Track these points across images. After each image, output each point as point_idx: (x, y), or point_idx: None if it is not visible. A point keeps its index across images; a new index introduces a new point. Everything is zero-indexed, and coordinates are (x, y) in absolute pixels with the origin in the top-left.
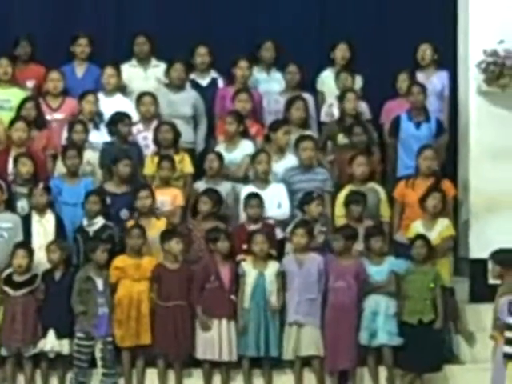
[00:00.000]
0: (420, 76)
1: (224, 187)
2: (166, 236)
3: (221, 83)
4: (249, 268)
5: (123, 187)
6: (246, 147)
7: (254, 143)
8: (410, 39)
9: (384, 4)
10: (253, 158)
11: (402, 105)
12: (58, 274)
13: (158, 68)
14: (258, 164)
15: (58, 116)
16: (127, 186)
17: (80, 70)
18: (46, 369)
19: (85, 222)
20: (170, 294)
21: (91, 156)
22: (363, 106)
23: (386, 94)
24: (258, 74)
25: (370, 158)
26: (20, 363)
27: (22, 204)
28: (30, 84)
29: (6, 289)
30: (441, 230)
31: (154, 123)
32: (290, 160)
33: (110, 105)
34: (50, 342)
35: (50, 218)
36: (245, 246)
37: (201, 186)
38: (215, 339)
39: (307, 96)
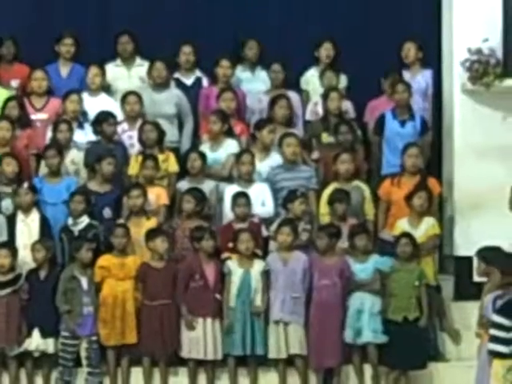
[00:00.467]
0: (405, 75)
1: (207, 186)
2: (151, 235)
3: (205, 82)
4: (234, 266)
5: (106, 186)
6: (230, 146)
7: (238, 142)
8: (394, 38)
9: (368, 2)
10: (237, 158)
11: (385, 103)
12: (42, 274)
13: (142, 67)
14: (242, 165)
15: (42, 116)
16: (110, 185)
17: (64, 69)
18: (31, 368)
19: (70, 222)
20: (156, 293)
21: (76, 155)
22: (348, 105)
23: (370, 92)
24: (242, 73)
25: (355, 156)
26: (4, 363)
27: (7, 204)
28: (14, 84)
29: None
30: (426, 228)
31: (139, 122)
32: (274, 159)
33: (94, 104)
34: (35, 341)
35: (35, 218)
36: (231, 245)
37: (184, 185)
38: (200, 338)
39: (292, 94)
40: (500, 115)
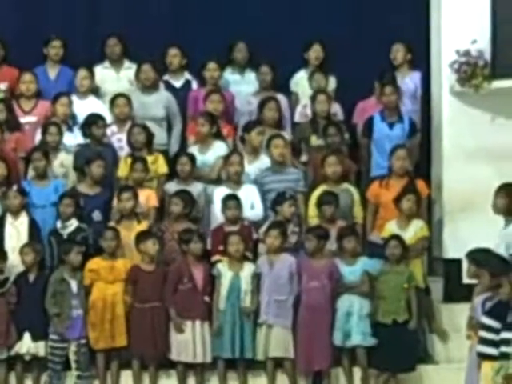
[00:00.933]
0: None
1: (195, 188)
2: (142, 237)
3: (195, 85)
4: (224, 269)
5: (96, 188)
6: (218, 148)
7: (226, 144)
8: (383, 39)
9: (357, 4)
10: (225, 159)
11: (374, 105)
12: (31, 277)
13: (130, 70)
14: (230, 165)
15: (31, 119)
16: (100, 188)
17: (53, 71)
18: (21, 371)
19: (58, 225)
20: (146, 296)
21: (65, 158)
22: (336, 107)
23: (360, 94)
24: (231, 75)
25: (342, 158)
26: None
27: None
28: (2, 86)
29: None
30: (415, 230)
31: (128, 125)
32: (263, 161)
33: (83, 107)
34: (26, 345)
35: (23, 221)
36: (221, 247)
37: (171, 187)
38: (189, 341)
39: (280, 97)
40: (489, 117)
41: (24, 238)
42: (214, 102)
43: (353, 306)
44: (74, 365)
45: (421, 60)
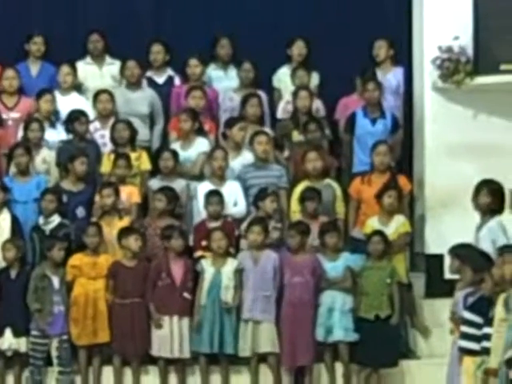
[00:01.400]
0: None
1: (178, 184)
2: (124, 233)
3: (177, 81)
4: (207, 265)
5: (80, 185)
6: (201, 144)
7: (208, 140)
8: (365, 35)
9: (340, 1)
10: (209, 154)
11: (357, 101)
12: (13, 273)
13: (113, 66)
14: (214, 161)
15: (14, 115)
16: (84, 184)
17: (34, 68)
18: (3, 367)
19: (41, 221)
20: (127, 291)
21: (47, 154)
22: (318, 104)
23: (342, 90)
24: (215, 71)
25: (323, 154)
26: None
27: None
28: None
29: None
30: (397, 226)
31: (111, 121)
32: (246, 157)
33: (66, 103)
34: (8, 341)
35: (6, 217)
36: (204, 243)
37: (155, 183)
38: (167, 336)
39: (261, 93)
40: (471, 113)
41: (6, 234)
42: (196, 98)
43: (335, 301)
44: (55, 361)
45: (403, 56)
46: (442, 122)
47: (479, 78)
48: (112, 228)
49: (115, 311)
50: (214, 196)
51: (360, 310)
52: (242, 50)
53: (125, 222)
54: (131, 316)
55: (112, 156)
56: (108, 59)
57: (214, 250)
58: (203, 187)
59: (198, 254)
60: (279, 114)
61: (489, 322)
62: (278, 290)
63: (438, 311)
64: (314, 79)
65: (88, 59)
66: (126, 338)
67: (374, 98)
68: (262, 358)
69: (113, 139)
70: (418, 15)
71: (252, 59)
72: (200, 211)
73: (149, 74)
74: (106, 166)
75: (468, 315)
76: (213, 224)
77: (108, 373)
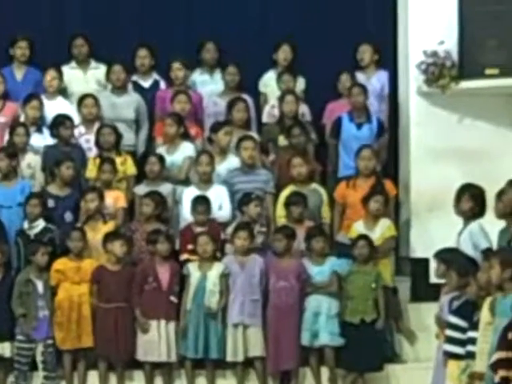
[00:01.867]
0: (360, 76)
1: (165, 189)
2: (110, 237)
3: (163, 85)
4: (193, 269)
5: (66, 190)
6: (186, 149)
7: (194, 145)
8: (351, 40)
9: (325, 5)
10: (195, 159)
11: (343, 106)
12: None
13: (97, 70)
14: (199, 165)
15: (0, 120)
16: (70, 189)
17: (19, 72)
18: None
19: (25, 225)
20: (111, 296)
21: (32, 159)
22: (304, 108)
23: (328, 95)
24: (200, 75)
25: (308, 159)
26: None
27: None
28: None
29: None
30: (382, 230)
31: (96, 126)
32: (231, 161)
33: (51, 107)
34: None
35: None
36: (190, 247)
37: (141, 188)
38: (154, 340)
39: (247, 97)
40: (456, 117)
41: None
42: (181, 102)
43: (321, 306)
44: (40, 365)
45: (388, 60)
46: (427, 127)
47: (464, 83)
48: (96, 232)
49: (100, 316)
50: (201, 205)
51: (345, 314)
52: (228, 55)
53: (109, 226)
54: (116, 320)
55: (97, 161)
56: (93, 63)
57: (200, 254)
58: (189, 192)
59: (184, 257)
60: (264, 118)
61: (474, 326)
62: (263, 295)
63: (423, 315)
64: (300, 84)
65: (73, 64)
66: (111, 343)
67: (359, 102)
68: (248, 362)
69: (98, 144)
70: (403, 20)
71: (238, 64)
72: (185, 216)
73: (134, 78)
74: (91, 171)
75: (453, 319)
76: (199, 228)
77: (93, 377)
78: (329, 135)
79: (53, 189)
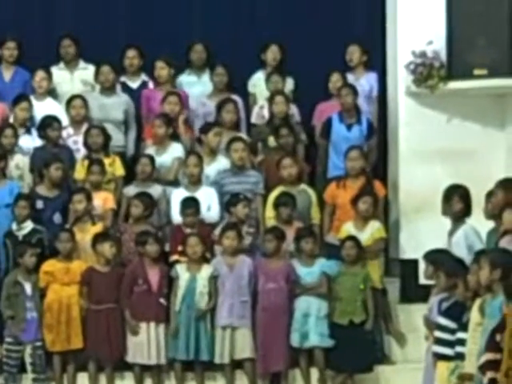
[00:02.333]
0: (349, 77)
1: (155, 190)
2: (100, 239)
3: (151, 86)
4: (182, 271)
5: (55, 191)
6: (175, 150)
7: (183, 146)
8: (340, 40)
9: (314, 5)
10: (184, 160)
11: (333, 106)
12: None
13: (86, 71)
14: (187, 167)
15: None
16: (59, 190)
17: (7, 73)
18: None
19: (14, 227)
20: (101, 297)
21: (20, 160)
22: (293, 109)
23: (318, 95)
24: (188, 76)
25: (297, 159)
26: None
27: None
28: None
29: None
30: (372, 231)
31: (85, 127)
32: (221, 162)
33: (40, 108)
34: None
35: None
36: (180, 248)
37: (131, 189)
38: (144, 343)
39: (236, 98)
40: (444, 118)
41: None
42: (171, 103)
43: (311, 307)
44: (29, 367)
45: (377, 61)
46: (416, 127)
47: (453, 83)
48: (85, 234)
49: (90, 317)
50: (190, 206)
51: (334, 316)
52: (217, 56)
53: (98, 227)
54: (106, 322)
55: (86, 162)
56: (81, 64)
57: (190, 256)
58: (178, 193)
59: (174, 258)
60: (253, 119)
61: (463, 327)
62: (252, 296)
63: (412, 316)
64: (289, 84)
65: (61, 64)
66: (101, 344)
67: (348, 103)
68: (238, 363)
69: (86, 145)
70: (392, 20)
71: (226, 64)
72: (174, 217)
73: (123, 78)
74: (80, 173)
75: (442, 320)
76: (188, 230)
77: (83, 379)
78: (319, 136)
79: (41, 190)
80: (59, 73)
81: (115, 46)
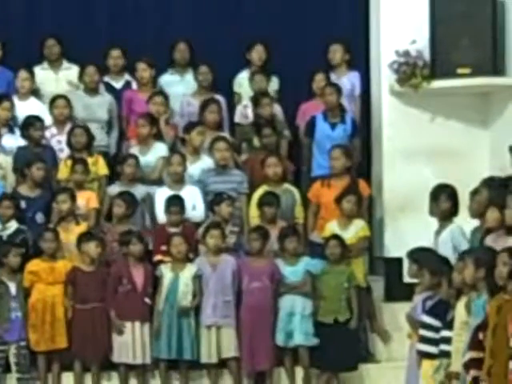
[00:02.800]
0: (331, 76)
1: (139, 190)
2: (84, 238)
3: (135, 86)
4: (166, 270)
5: (37, 191)
6: (159, 150)
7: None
8: (323, 39)
9: (298, 5)
10: (167, 159)
11: (317, 106)
12: None
13: (69, 70)
14: (171, 166)
15: None
16: (41, 190)
17: None
18: None
19: None
20: (87, 297)
21: (3, 160)
22: (277, 108)
23: (301, 95)
24: (171, 76)
25: (281, 158)
26: None
27: None
28: None
29: None
30: (356, 230)
31: (68, 126)
32: (205, 161)
33: (23, 108)
34: None
35: None
36: (164, 247)
37: (114, 189)
38: (129, 342)
39: (219, 98)
40: (428, 116)
41: None
42: (157, 104)
43: (295, 306)
44: (14, 367)
45: (360, 60)
46: (400, 126)
47: (436, 82)
48: (69, 233)
49: (76, 317)
50: (175, 205)
51: (318, 315)
52: (201, 55)
53: (82, 227)
54: (92, 321)
55: (69, 162)
56: (65, 64)
57: (174, 255)
58: (161, 192)
59: (157, 258)
60: (236, 119)
61: (447, 325)
62: (236, 295)
63: (397, 315)
64: (274, 84)
65: (45, 64)
66: (87, 343)
67: (332, 102)
68: (223, 362)
69: (69, 144)
70: (375, 19)
71: (210, 63)
72: (158, 216)
73: (106, 78)
74: (63, 173)
75: (426, 319)
76: (173, 229)
77: (68, 379)
78: (303, 134)
79: (23, 190)
80: (43, 72)
81: (98, 45)
